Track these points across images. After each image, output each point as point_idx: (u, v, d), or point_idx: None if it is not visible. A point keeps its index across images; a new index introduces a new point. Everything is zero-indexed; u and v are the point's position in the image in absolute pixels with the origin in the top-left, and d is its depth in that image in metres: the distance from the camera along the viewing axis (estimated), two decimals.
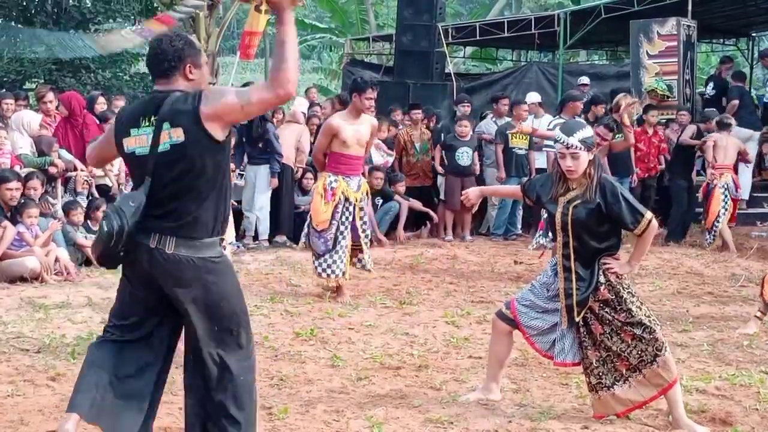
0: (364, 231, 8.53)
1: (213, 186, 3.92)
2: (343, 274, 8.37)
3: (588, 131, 5.05)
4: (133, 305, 4.08)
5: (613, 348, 5.01)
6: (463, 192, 6.05)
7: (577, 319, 5.04)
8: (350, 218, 8.34)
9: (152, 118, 3.89)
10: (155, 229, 3.90)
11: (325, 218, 8.24)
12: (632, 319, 4.96)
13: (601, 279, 5.00)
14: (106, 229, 3.85)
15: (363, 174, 8.98)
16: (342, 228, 8.31)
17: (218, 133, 3.85)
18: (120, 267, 4.09)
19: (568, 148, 4.96)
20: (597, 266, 5.02)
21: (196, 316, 3.97)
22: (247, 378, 4.09)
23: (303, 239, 8.64)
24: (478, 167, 12.72)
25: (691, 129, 12.68)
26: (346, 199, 8.30)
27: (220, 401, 4.01)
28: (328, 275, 8.35)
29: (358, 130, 8.31)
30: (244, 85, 10.97)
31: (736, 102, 14.66)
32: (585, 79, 15.63)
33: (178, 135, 3.83)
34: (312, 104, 14.56)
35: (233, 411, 4.01)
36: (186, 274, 3.91)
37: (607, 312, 5.01)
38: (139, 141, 3.93)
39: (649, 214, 5.00)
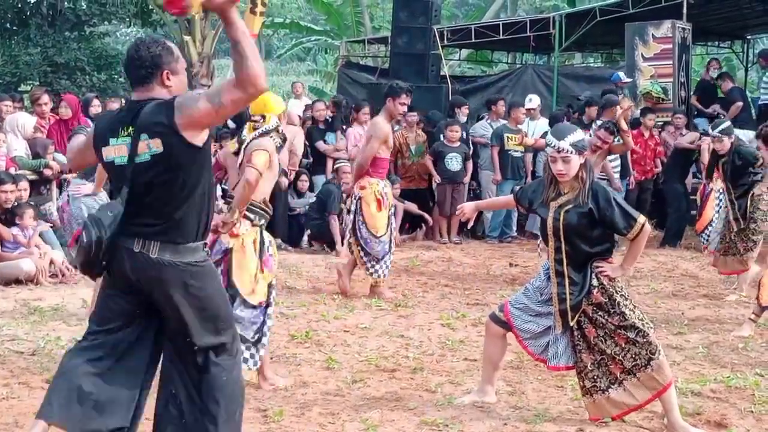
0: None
1: (194, 191, 3.91)
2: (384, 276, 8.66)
3: (579, 135, 5.04)
4: (114, 310, 4.05)
5: (607, 351, 5.01)
6: (458, 207, 6.07)
7: (571, 324, 5.04)
8: (392, 222, 8.73)
9: (129, 129, 3.86)
10: (139, 234, 3.89)
11: (384, 223, 8.52)
12: (625, 323, 4.96)
13: (594, 282, 5.00)
14: (85, 240, 3.85)
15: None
16: (388, 231, 8.64)
17: (196, 138, 3.83)
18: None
19: (559, 152, 4.96)
20: (590, 270, 5.02)
21: (178, 319, 3.96)
22: (231, 377, 4.07)
23: (346, 244, 8.98)
24: (469, 174, 12.70)
25: (693, 135, 12.75)
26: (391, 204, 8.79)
27: (202, 404, 3.99)
28: (381, 276, 8.62)
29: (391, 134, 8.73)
30: None
31: (740, 104, 14.70)
32: (622, 75, 15.28)
33: (156, 145, 3.81)
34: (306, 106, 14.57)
35: (215, 412, 3.99)
36: (169, 277, 3.90)
37: (600, 315, 5.01)
38: (118, 151, 3.92)
39: (642, 219, 5.00)
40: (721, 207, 11.40)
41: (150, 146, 3.82)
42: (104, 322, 4.07)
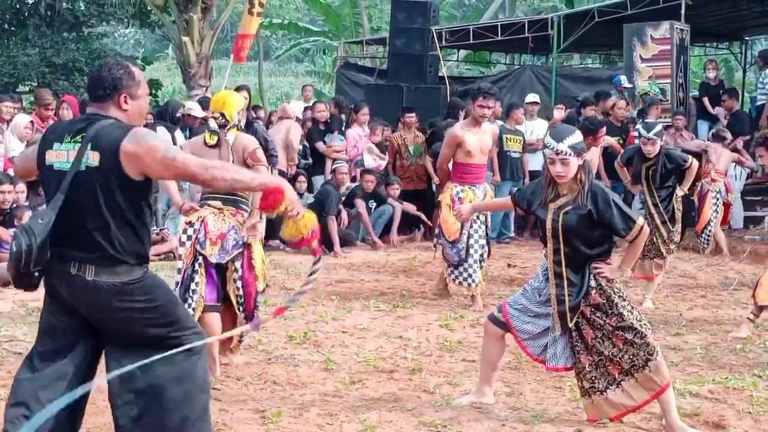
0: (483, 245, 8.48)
1: (126, 216, 3.85)
2: (478, 283, 8.40)
3: (578, 137, 5.04)
4: (57, 331, 4.02)
5: (605, 352, 5.01)
6: (454, 208, 6.08)
7: (570, 325, 5.04)
8: (482, 227, 8.38)
9: (78, 137, 3.85)
10: (74, 257, 3.85)
11: (456, 228, 8.25)
12: (623, 324, 4.96)
13: (592, 283, 5.01)
14: (15, 249, 3.78)
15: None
16: (476, 236, 8.33)
17: (132, 172, 3.79)
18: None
19: (557, 153, 4.95)
20: (588, 271, 5.02)
21: (121, 338, 3.93)
22: (185, 390, 3.98)
23: (434, 247, 8.94)
24: None
25: (699, 142, 12.85)
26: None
27: (153, 420, 3.93)
28: (468, 285, 8.37)
29: (480, 138, 8.33)
30: (237, 89, 10.94)
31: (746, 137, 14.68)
32: (624, 80, 15.23)
33: (94, 158, 3.79)
34: (306, 107, 14.56)
35: (170, 426, 3.95)
36: (108, 299, 3.86)
37: (598, 316, 5.01)
38: (59, 156, 3.89)
39: (641, 220, 5.00)
40: (718, 207, 11.45)
41: (89, 157, 3.80)
42: (48, 342, 4.03)
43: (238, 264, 6.06)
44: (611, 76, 15.96)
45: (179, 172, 3.88)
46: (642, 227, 4.98)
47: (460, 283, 8.40)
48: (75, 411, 4.05)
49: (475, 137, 8.26)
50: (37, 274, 3.88)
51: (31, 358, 4.07)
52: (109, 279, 3.85)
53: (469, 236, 8.28)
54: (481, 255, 8.40)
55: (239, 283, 6.08)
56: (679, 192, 8.67)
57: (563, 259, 5.02)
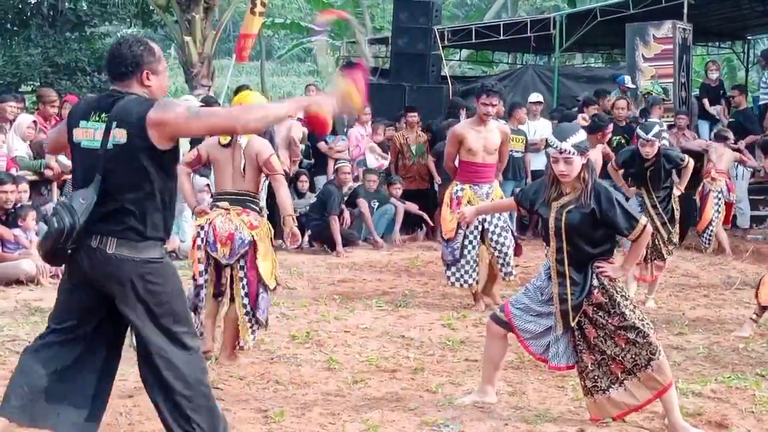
0: (494, 243, 8.23)
1: (153, 191, 3.92)
2: (476, 282, 8.27)
3: (581, 135, 5.03)
4: (72, 307, 4.07)
5: (608, 351, 5.01)
6: (458, 212, 6.09)
7: (572, 324, 5.04)
8: (480, 228, 8.15)
9: (103, 115, 3.90)
10: (96, 230, 3.90)
11: (452, 227, 8.14)
12: (625, 323, 4.96)
13: (595, 282, 5.00)
14: (57, 226, 3.84)
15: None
16: (471, 237, 8.16)
17: (161, 142, 3.86)
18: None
19: (561, 152, 4.95)
20: (590, 270, 5.01)
21: (135, 315, 3.98)
22: (197, 377, 4.08)
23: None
24: None
25: (702, 142, 12.86)
26: None
27: (173, 399, 4.01)
28: (461, 285, 8.28)
29: (485, 137, 8.16)
30: (238, 89, 10.96)
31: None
32: (627, 80, 15.19)
33: (121, 136, 3.85)
34: None
35: (188, 411, 4.02)
36: (126, 274, 3.92)
37: (600, 316, 5.00)
38: (86, 134, 3.94)
39: (643, 220, 5.00)
40: (720, 206, 11.45)
41: (115, 135, 3.85)
42: (62, 320, 4.08)
43: (242, 262, 6.15)
44: (614, 75, 15.95)
45: (209, 125, 3.95)
46: (645, 226, 4.98)
47: (453, 284, 8.30)
48: (100, 394, 4.12)
49: (479, 135, 8.13)
50: (69, 251, 3.93)
51: (43, 336, 4.11)
52: (130, 254, 3.92)
53: (465, 236, 8.15)
54: (477, 255, 8.19)
55: (245, 281, 6.16)
56: (676, 192, 8.64)
57: (566, 258, 5.02)
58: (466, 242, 8.17)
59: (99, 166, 3.88)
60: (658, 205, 8.49)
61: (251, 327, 6.22)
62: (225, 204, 6.17)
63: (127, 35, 4.20)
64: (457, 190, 8.23)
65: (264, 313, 6.26)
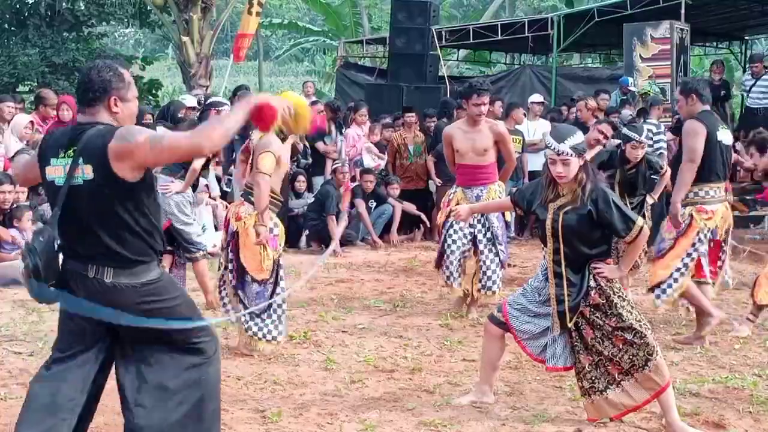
0: (490, 248, 7.99)
1: (130, 224, 3.86)
2: (460, 285, 8.02)
3: (579, 137, 5.03)
4: (75, 335, 4.03)
5: (605, 352, 5.01)
6: (452, 209, 6.06)
7: (569, 325, 5.04)
8: (466, 228, 7.90)
9: (70, 150, 3.84)
10: (91, 258, 3.87)
11: (438, 223, 8.26)
12: (622, 324, 4.96)
13: (592, 283, 5.00)
14: (23, 270, 3.84)
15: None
16: (455, 237, 7.92)
17: (127, 173, 3.76)
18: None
19: (558, 154, 4.95)
20: (587, 271, 5.01)
21: (140, 338, 3.95)
22: (206, 376, 4.06)
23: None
24: None
25: None
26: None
27: (175, 420, 3.97)
28: (446, 281, 8.07)
29: (472, 138, 7.84)
30: (236, 89, 10.93)
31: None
32: (631, 81, 15.23)
33: (88, 172, 3.79)
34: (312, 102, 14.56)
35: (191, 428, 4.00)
36: (127, 300, 3.88)
37: (597, 317, 5.01)
38: (56, 171, 3.89)
39: (640, 221, 5.00)
40: None
41: (83, 171, 3.79)
42: (67, 348, 4.04)
43: (228, 248, 6.64)
44: (614, 76, 15.96)
45: (173, 151, 3.79)
46: (641, 228, 4.98)
47: (447, 281, 8.05)
48: (87, 412, 4.09)
49: (467, 136, 7.85)
50: (51, 287, 3.90)
51: (48, 366, 4.07)
52: (128, 280, 3.88)
53: (447, 230, 7.94)
54: (464, 254, 7.96)
55: (230, 265, 6.60)
56: (649, 200, 8.45)
57: (563, 259, 5.02)
58: (447, 236, 7.93)
59: (60, 202, 3.83)
60: None
61: (250, 320, 6.54)
62: (239, 195, 6.48)
63: (98, 61, 4.09)
64: (450, 193, 8.12)
65: (253, 301, 6.50)
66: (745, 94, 15.69)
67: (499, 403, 5.48)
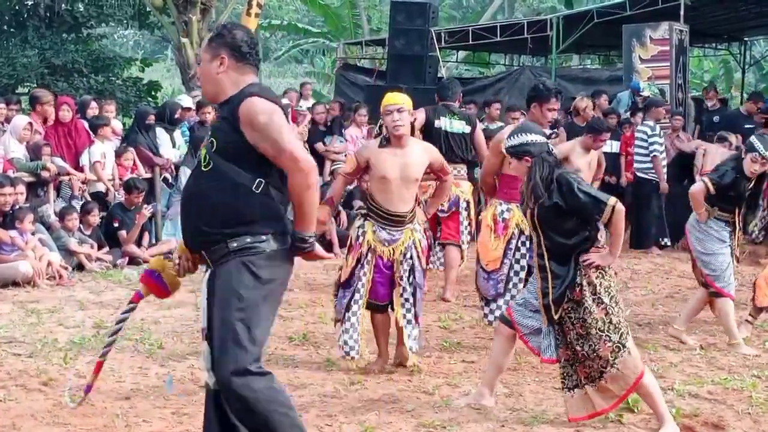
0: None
1: None
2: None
3: (525, 137, 5.14)
4: None
5: (580, 353, 5.01)
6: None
7: (555, 317, 5.04)
8: (528, 254, 6.46)
9: None
10: None
11: (496, 256, 6.67)
12: (581, 332, 4.98)
13: (578, 280, 5.00)
14: None
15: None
16: (517, 267, 6.68)
17: None
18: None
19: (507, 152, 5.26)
20: (574, 263, 5.01)
21: None
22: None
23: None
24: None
25: (697, 142, 12.92)
26: (521, 232, 6.59)
27: None
28: (489, 321, 6.85)
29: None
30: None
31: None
32: (643, 86, 15.15)
33: None
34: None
35: None
36: None
37: (570, 317, 5.01)
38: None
39: (612, 200, 4.94)
40: None
41: None
42: None
43: None
44: (613, 77, 15.96)
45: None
46: (614, 206, 4.91)
47: (490, 323, 6.74)
48: None
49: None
50: None
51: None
52: None
53: (511, 266, 6.69)
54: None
55: None
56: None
57: (545, 252, 5.08)
58: (511, 274, 6.71)
59: None
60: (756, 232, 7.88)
61: None
62: None
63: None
64: (502, 211, 6.72)
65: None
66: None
67: (498, 404, 5.48)
